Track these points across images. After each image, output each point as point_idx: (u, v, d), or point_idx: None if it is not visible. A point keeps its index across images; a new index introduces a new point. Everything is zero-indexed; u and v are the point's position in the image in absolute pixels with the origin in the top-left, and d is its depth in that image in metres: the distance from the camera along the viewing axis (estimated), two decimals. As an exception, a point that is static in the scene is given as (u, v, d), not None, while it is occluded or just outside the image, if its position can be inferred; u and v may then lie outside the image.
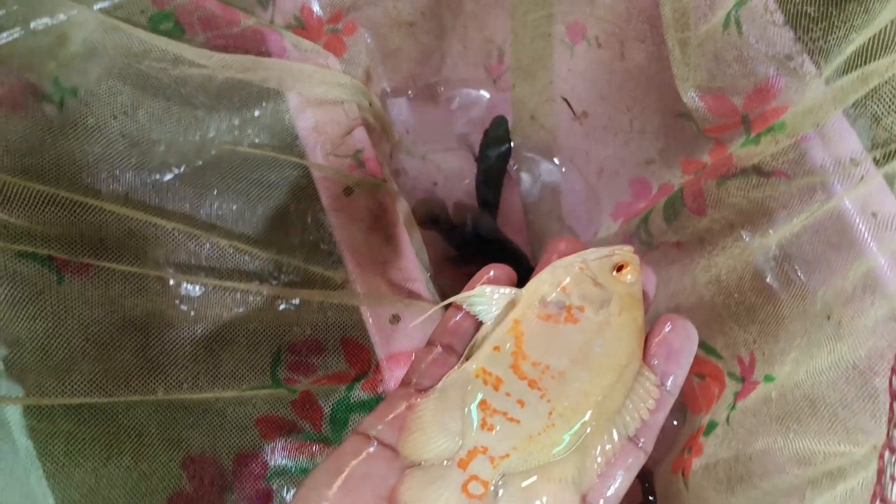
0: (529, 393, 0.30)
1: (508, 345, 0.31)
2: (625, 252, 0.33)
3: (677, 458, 0.46)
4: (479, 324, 0.33)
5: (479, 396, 0.31)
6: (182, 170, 0.40)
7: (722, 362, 0.46)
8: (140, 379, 0.36)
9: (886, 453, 0.28)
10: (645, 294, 0.33)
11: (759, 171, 0.41)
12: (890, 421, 0.28)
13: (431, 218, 0.64)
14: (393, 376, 0.45)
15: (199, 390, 0.38)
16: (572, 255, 0.33)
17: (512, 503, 0.30)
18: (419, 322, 0.47)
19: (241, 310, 0.39)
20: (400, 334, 0.45)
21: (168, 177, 0.40)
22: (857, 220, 0.34)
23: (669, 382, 0.31)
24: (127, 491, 0.37)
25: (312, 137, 0.49)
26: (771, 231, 0.41)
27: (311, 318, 0.42)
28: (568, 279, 0.32)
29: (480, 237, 0.64)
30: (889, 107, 0.31)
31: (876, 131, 0.32)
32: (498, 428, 0.30)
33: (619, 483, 0.30)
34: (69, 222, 0.34)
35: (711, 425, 0.43)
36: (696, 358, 0.48)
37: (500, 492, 0.30)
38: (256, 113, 0.47)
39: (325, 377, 0.43)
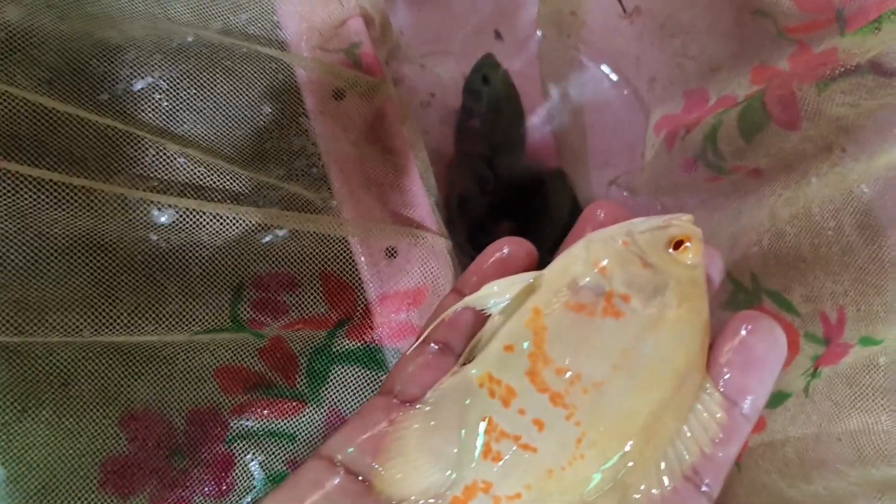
0: (551, 411, 0.25)
1: (525, 343, 0.25)
2: (683, 223, 0.27)
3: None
4: (486, 315, 0.27)
5: (483, 414, 0.25)
6: (134, 55, 0.34)
7: (798, 320, 0.40)
8: (60, 314, 0.31)
9: None
10: (709, 280, 0.27)
11: (878, 68, 0.34)
12: None
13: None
14: (386, 321, 0.39)
15: (139, 331, 0.33)
16: (614, 226, 0.27)
17: None
18: (420, 259, 0.41)
19: (192, 232, 0.33)
20: (396, 270, 0.39)
21: (116, 64, 0.33)
22: None
23: (747, 404, 0.25)
24: (49, 451, 0.32)
25: (297, 26, 0.43)
26: (884, 151, 0.34)
27: (282, 247, 0.36)
28: (608, 257, 0.26)
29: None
30: None
31: None
32: (507, 457, 0.25)
33: None
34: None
35: (780, 396, 0.37)
36: (763, 310, 0.42)
37: None
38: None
39: (300, 321, 0.37)
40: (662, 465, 0.24)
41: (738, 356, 0.25)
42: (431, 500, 0.25)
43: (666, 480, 0.24)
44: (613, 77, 0.55)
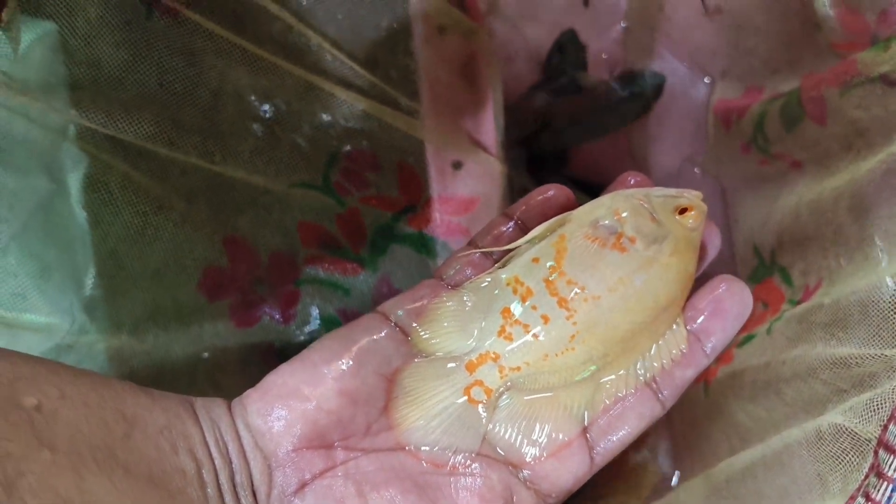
0: (557, 311, 0.33)
1: (548, 258, 0.33)
2: (693, 196, 0.34)
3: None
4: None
5: (505, 304, 0.33)
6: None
7: (790, 291, 0.48)
8: (202, 139, 0.42)
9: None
10: (703, 249, 0.35)
11: (885, 79, 0.42)
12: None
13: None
14: (442, 218, 0.49)
15: (254, 168, 0.44)
16: (638, 189, 0.35)
17: (511, 418, 0.33)
18: (478, 175, 0.51)
19: (309, 103, 0.45)
20: (458, 180, 0.50)
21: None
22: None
23: (709, 344, 0.34)
24: (171, 247, 0.44)
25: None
26: (884, 149, 0.42)
27: (374, 133, 0.47)
28: (626, 208, 0.34)
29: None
30: None
31: None
32: (515, 338, 0.33)
33: (627, 431, 0.33)
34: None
35: (748, 338, 0.45)
36: (770, 285, 0.51)
37: (503, 404, 0.33)
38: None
39: (375, 197, 0.48)
40: (632, 370, 0.33)
41: (709, 304, 0.34)
42: (452, 360, 0.33)
43: (632, 383, 0.33)
44: (691, 68, 0.64)
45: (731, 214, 0.59)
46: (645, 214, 0.33)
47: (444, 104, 0.51)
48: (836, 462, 0.33)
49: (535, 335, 0.33)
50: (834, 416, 0.34)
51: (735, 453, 0.41)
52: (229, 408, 0.32)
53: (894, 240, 0.39)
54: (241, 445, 0.31)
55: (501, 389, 0.33)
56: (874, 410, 0.32)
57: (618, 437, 0.33)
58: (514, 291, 0.33)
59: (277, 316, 0.48)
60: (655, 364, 0.33)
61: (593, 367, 0.33)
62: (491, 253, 0.36)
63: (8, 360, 0.27)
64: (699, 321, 0.34)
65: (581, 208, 0.35)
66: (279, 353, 0.49)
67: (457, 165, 0.51)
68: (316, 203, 0.48)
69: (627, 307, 0.33)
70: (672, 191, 0.35)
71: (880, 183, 0.42)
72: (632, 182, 0.37)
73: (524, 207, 0.37)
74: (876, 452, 0.31)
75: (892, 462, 0.30)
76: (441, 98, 0.51)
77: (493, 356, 0.33)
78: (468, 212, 0.51)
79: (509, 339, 0.33)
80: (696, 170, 0.63)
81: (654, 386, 0.33)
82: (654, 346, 0.33)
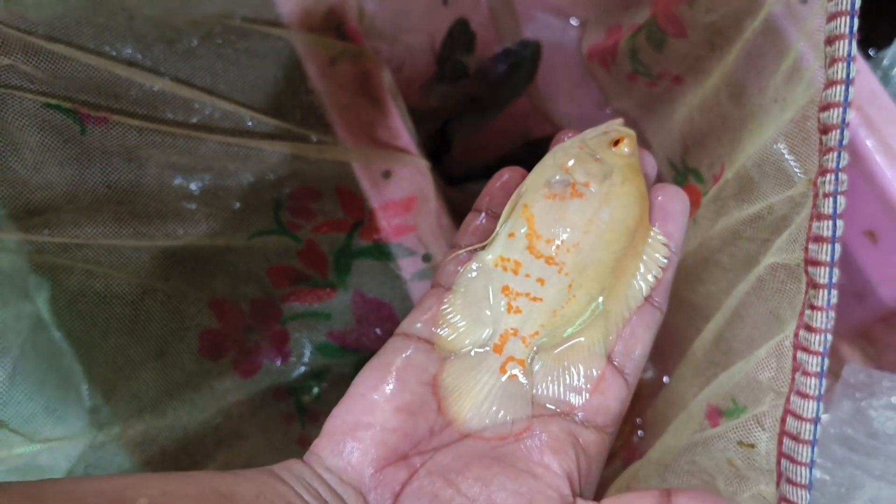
0: (548, 270, 0.36)
1: (522, 229, 0.37)
2: (619, 127, 0.39)
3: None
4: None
5: (502, 283, 0.37)
6: (177, 42, 0.50)
7: (703, 186, 0.55)
8: (160, 221, 0.47)
9: (819, 178, 0.36)
10: (645, 172, 0.39)
11: (718, -17, 0.49)
12: (819, 151, 0.37)
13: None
14: (389, 224, 0.55)
15: (213, 232, 0.49)
16: (570, 140, 0.39)
17: (548, 376, 0.36)
18: (408, 176, 0.57)
19: (242, 163, 0.50)
20: (392, 186, 0.55)
21: (165, 48, 0.50)
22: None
23: (673, 243, 0.38)
24: (166, 324, 0.48)
25: (293, 11, 0.59)
26: (740, 37, 0.49)
27: (306, 169, 0.52)
28: (569, 160, 0.38)
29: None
30: None
31: None
32: (524, 309, 0.36)
33: (643, 343, 0.37)
34: (87, 78, 0.45)
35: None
36: (689, 188, 0.58)
37: (536, 367, 0.36)
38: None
39: (325, 224, 0.53)
40: (629, 292, 0.37)
41: (658, 213, 0.37)
42: (478, 349, 0.36)
43: (633, 303, 0.37)
44: (561, 25, 0.72)
45: (646, 140, 0.66)
46: (587, 158, 0.37)
47: (356, 125, 0.57)
48: (780, 294, 0.39)
49: (538, 299, 0.36)
50: (767, 259, 0.40)
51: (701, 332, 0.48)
52: (304, 462, 0.34)
53: (767, 108, 0.46)
54: (329, 487, 0.33)
55: (531, 356, 0.36)
56: (794, 241, 0.38)
57: (638, 353, 0.37)
58: (505, 269, 0.37)
59: (275, 357, 0.52)
60: (650, 277, 0.37)
61: (595, 299, 0.37)
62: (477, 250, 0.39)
63: (102, 480, 0.29)
64: (657, 227, 0.38)
65: (530, 176, 0.38)
66: (287, 389, 0.54)
67: (386, 175, 0.56)
68: (276, 247, 0.53)
69: (605, 241, 0.36)
70: (600, 128, 0.39)
71: (745, 67, 0.49)
72: (565, 139, 0.40)
73: (488, 198, 0.40)
74: (806, 271, 0.37)
75: (820, 272, 0.35)
76: (351, 121, 0.57)
77: (511, 332, 0.36)
78: (409, 211, 0.56)
79: (518, 311, 0.36)
80: (607, 111, 0.71)
81: (648, 296, 0.37)
82: (640, 263, 0.37)
